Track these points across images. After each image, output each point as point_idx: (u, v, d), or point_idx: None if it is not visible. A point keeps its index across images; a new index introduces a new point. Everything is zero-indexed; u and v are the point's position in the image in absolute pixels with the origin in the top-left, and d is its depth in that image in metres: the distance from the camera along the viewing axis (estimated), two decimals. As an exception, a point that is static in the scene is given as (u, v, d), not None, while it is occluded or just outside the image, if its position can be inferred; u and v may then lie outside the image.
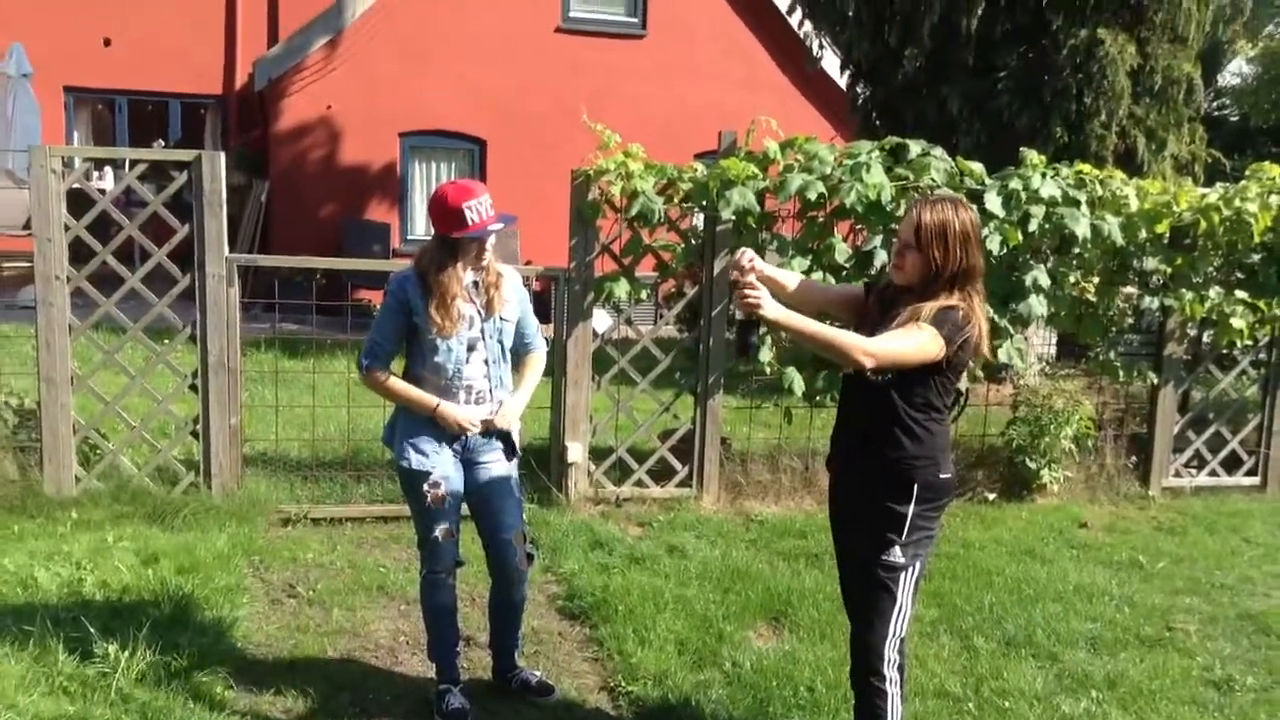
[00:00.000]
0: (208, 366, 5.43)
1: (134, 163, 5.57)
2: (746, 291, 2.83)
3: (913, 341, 2.91)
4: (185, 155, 5.44)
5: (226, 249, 5.43)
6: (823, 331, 2.90)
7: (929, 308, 2.94)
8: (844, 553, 3.30)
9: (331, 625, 4.34)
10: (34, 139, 11.41)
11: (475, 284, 3.55)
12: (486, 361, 3.57)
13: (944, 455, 3.10)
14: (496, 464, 3.65)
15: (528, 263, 11.11)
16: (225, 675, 3.81)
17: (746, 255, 3.05)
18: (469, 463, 3.61)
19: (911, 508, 3.04)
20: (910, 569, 3.08)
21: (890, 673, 3.09)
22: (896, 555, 3.04)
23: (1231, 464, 7.05)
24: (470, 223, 3.37)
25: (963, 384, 6.05)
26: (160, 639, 3.87)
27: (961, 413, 6.82)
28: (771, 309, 2.85)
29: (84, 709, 3.47)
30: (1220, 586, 5.30)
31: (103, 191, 5.74)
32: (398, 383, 3.53)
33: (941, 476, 3.08)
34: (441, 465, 3.53)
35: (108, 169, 13.80)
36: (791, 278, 3.35)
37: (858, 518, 3.16)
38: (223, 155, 5.44)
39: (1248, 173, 6.61)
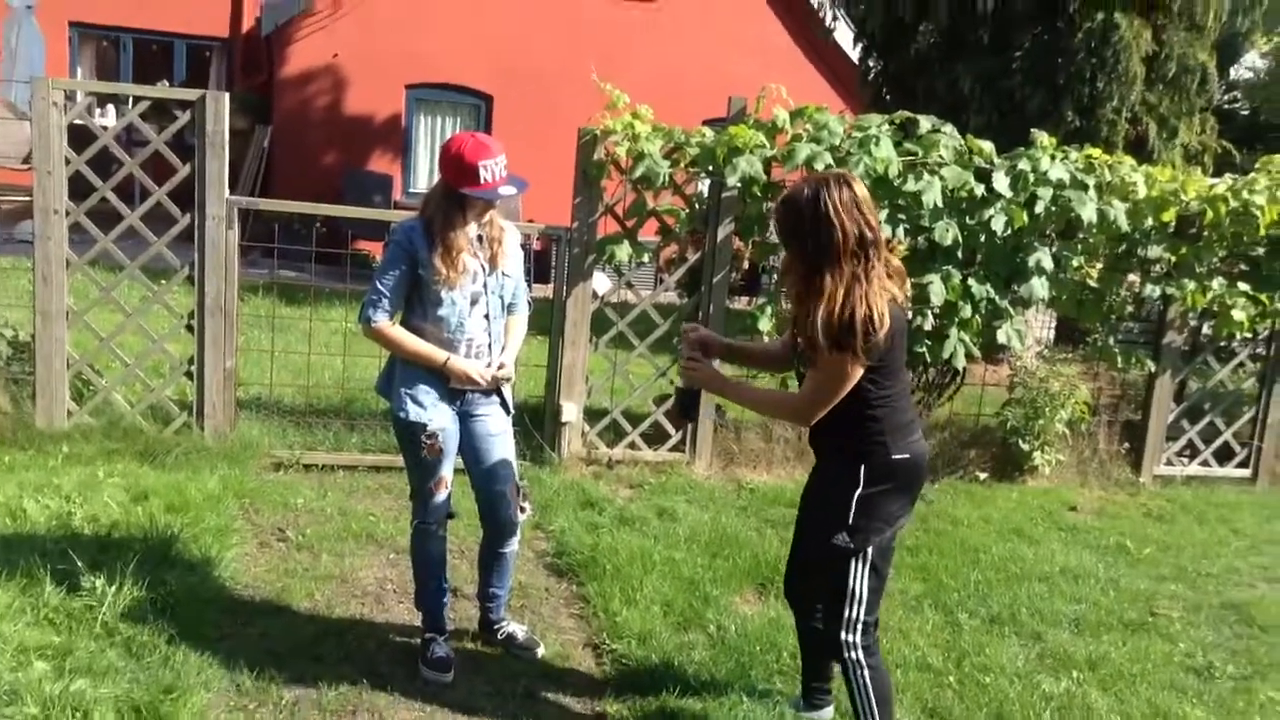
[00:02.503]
0: (204, 308, 5.40)
1: (137, 100, 5.51)
2: (687, 361, 3.08)
3: (830, 384, 2.90)
4: (189, 94, 5.37)
5: (227, 191, 5.39)
6: (757, 399, 3.31)
7: (824, 344, 2.83)
8: (798, 529, 3.35)
9: (320, 570, 4.35)
10: (37, 71, 11.29)
11: (479, 238, 3.52)
12: (487, 316, 3.54)
13: (894, 435, 3.00)
14: (493, 417, 3.64)
15: (530, 221, 11.05)
16: (211, 614, 3.82)
17: (695, 331, 3.24)
18: (465, 415, 3.60)
19: (859, 491, 3.00)
20: (861, 555, 3.04)
21: (851, 654, 3.11)
22: (843, 539, 3.03)
23: (1223, 455, 7.07)
24: (483, 181, 3.33)
25: (959, 363, 6.10)
26: (147, 575, 3.87)
27: (956, 392, 6.89)
28: (706, 379, 3.14)
29: (69, 640, 3.47)
30: (1206, 575, 5.33)
31: (105, 128, 5.67)
32: (406, 335, 3.48)
33: (894, 457, 3.01)
34: (439, 417, 3.51)
35: (110, 107, 13.67)
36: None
37: (812, 500, 3.19)
38: (226, 96, 5.37)
39: (1257, 165, 6.58)
